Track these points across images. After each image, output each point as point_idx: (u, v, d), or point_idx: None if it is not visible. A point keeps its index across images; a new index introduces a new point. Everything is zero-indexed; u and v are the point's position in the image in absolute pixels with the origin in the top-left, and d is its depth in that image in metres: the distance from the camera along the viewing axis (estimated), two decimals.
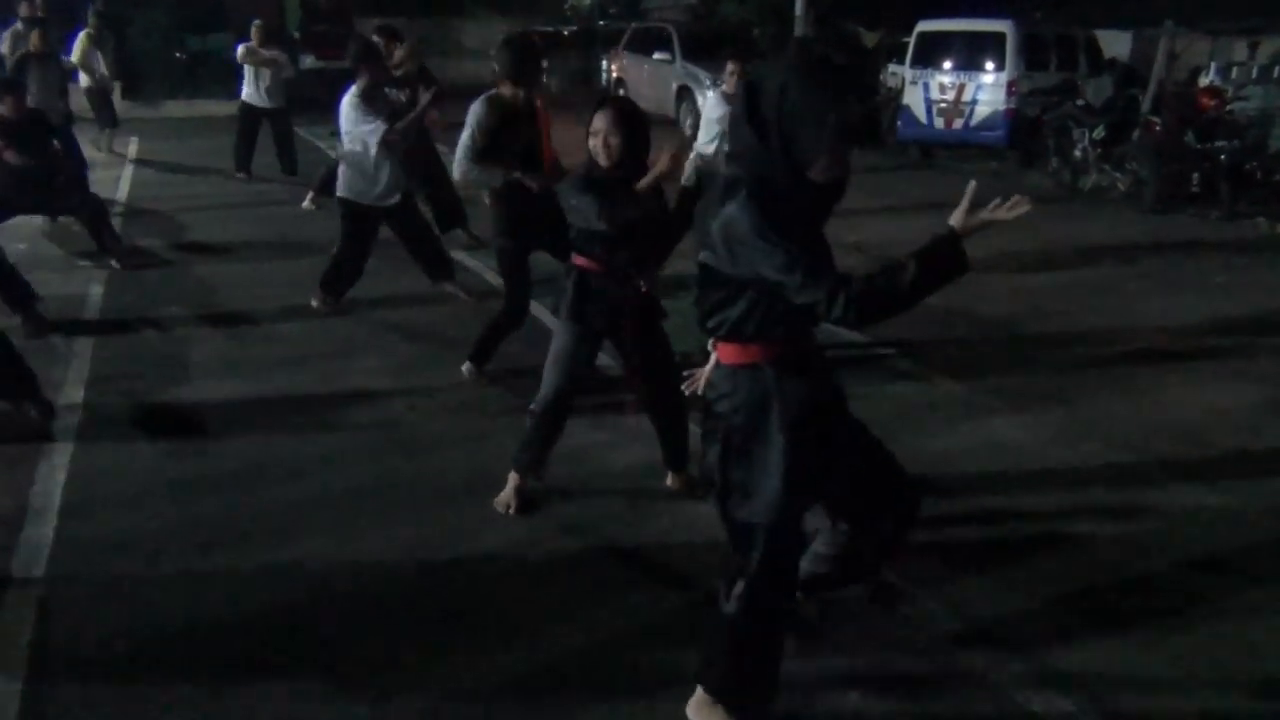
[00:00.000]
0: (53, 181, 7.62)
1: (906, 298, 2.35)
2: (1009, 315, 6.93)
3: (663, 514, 4.07)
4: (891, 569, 3.59)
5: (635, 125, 3.74)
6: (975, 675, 3.09)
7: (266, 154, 11.85)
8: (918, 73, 14.17)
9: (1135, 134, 10.98)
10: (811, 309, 2.38)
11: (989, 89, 13.50)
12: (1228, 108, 10.87)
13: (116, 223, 9.47)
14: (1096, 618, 3.40)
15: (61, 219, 9.14)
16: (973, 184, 2.43)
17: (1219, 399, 5.41)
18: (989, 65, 13.56)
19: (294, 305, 6.83)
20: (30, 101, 9.00)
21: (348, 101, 6.39)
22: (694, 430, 3.54)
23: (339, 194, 6.65)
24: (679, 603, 3.44)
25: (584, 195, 3.71)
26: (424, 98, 7.13)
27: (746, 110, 2.43)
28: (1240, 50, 13.87)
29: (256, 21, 11.80)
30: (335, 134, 6.89)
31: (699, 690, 2.80)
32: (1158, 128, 10.71)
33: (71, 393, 5.32)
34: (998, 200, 2.41)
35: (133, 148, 14.08)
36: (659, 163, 3.68)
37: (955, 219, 2.40)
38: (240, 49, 11.65)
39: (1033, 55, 13.56)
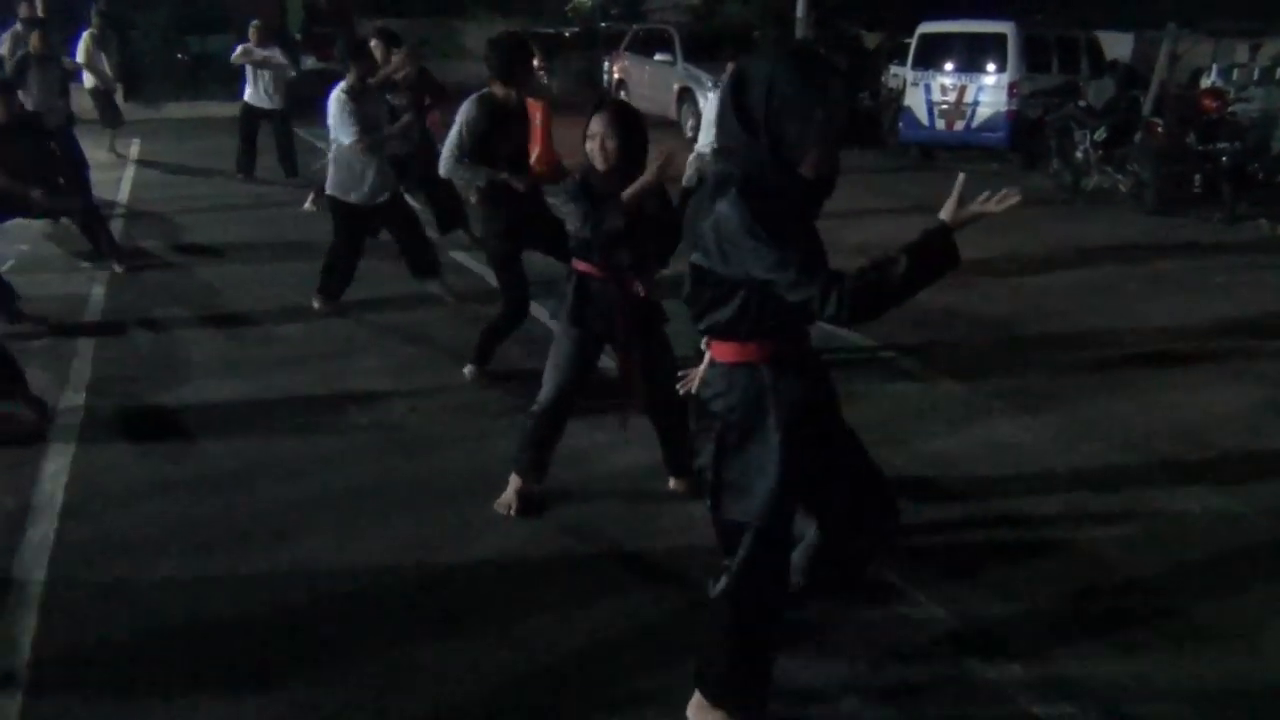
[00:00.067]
0: (48, 184, 7.58)
1: (899, 292, 2.34)
2: (1010, 316, 6.92)
3: (663, 516, 4.07)
4: (892, 570, 3.60)
5: (633, 128, 3.74)
6: (976, 678, 3.08)
7: (268, 155, 11.86)
8: (919, 74, 14.17)
9: (1137, 136, 10.96)
10: (805, 307, 2.37)
11: (990, 90, 13.49)
12: (1229, 109, 10.85)
13: (118, 224, 9.52)
14: (1098, 620, 3.40)
15: (63, 220, 9.14)
16: (961, 177, 2.42)
17: (1220, 400, 5.40)
18: (990, 67, 13.55)
19: (294, 306, 6.83)
20: (31, 103, 9.03)
21: (334, 98, 6.39)
22: None
23: (327, 191, 6.67)
24: (679, 604, 3.44)
25: (573, 203, 3.72)
26: (404, 119, 7.13)
27: (733, 104, 2.41)
28: (1242, 52, 13.85)
29: (255, 22, 11.81)
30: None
31: (698, 692, 2.79)
32: (1159, 129, 10.69)
33: (73, 394, 5.32)
34: (986, 193, 2.40)
35: (134, 149, 14.10)
36: (646, 173, 3.66)
37: (945, 212, 2.39)
38: (238, 49, 11.67)
39: (1034, 57, 13.54)
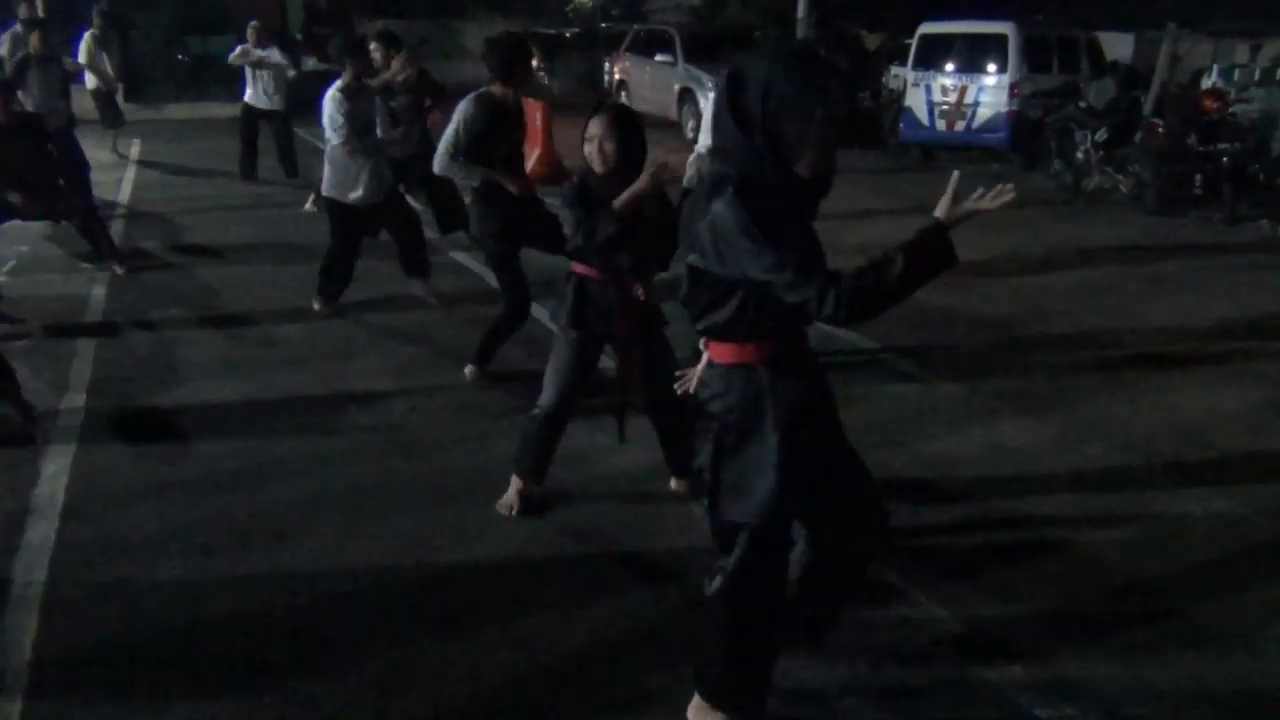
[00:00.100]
0: (46, 186, 7.56)
1: (896, 292, 2.33)
2: (1010, 317, 6.92)
3: (664, 516, 4.07)
4: (893, 571, 3.60)
5: (631, 131, 3.74)
6: (977, 680, 3.08)
7: (268, 156, 11.86)
8: (920, 75, 14.17)
9: (1137, 136, 10.96)
10: (803, 307, 2.35)
11: (991, 91, 13.49)
12: (1230, 110, 10.85)
13: (118, 225, 9.53)
14: (1099, 622, 3.39)
15: (63, 222, 9.14)
16: (955, 174, 2.41)
17: (1221, 401, 5.40)
18: (991, 67, 13.55)
19: (295, 307, 6.84)
20: (31, 104, 9.03)
21: (329, 96, 6.38)
22: None
23: (323, 192, 6.67)
24: (680, 605, 3.43)
25: (567, 209, 3.73)
26: (395, 133, 7.12)
27: (730, 104, 2.40)
28: (1242, 52, 13.85)
29: (253, 23, 11.81)
30: None
31: (698, 693, 2.79)
32: (1160, 130, 10.69)
33: (73, 395, 5.32)
34: (980, 190, 2.39)
35: (135, 149, 14.11)
36: (640, 179, 3.65)
37: (940, 210, 2.39)
38: (236, 50, 11.69)
39: (1035, 57, 13.54)
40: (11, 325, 6.29)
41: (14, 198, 7.01)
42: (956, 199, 2.38)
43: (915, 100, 14.22)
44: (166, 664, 3.14)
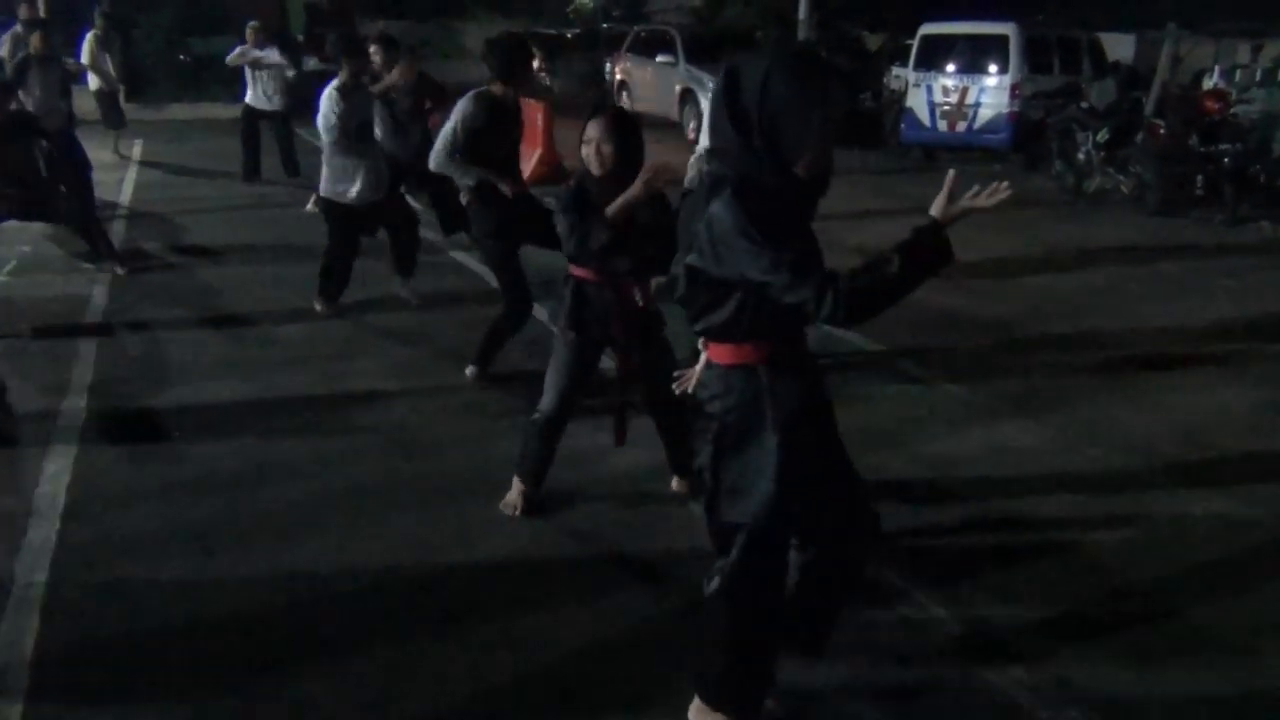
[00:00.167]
0: (41, 185, 7.54)
1: (894, 291, 2.32)
2: (1012, 318, 6.91)
3: (665, 518, 4.07)
4: (894, 572, 3.59)
5: (629, 133, 3.74)
6: (979, 682, 3.08)
7: (270, 157, 11.87)
8: (921, 75, 14.17)
9: (1139, 137, 10.96)
10: (801, 308, 2.34)
11: (992, 92, 13.50)
12: (1231, 111, 10.85)
13: (119, 225, 9.53)
14: (1101, 624, 3.39)
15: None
16: (951, 173, 2.41)
17: (1223, 402, 5.40)
18: (992, 68, 13.55)
19: (296, 308, 6.84)
20: (32, 104, 9.03)
21: (325, 95, 6.37)
22: None
23: (321, 193, 6.67)
24: (680, 606, 3.43)
25: (562, 215, 3.73)
26: (394, 143, 7.14)
27: (726, 105, 2.39)
28: (1244, 53, 13.86)
29: (251, 23, 11.81)
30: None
31: (698, 695, 2.79)
32: (1161, 131, 10.69)
33: (74, 395, 5.32)
34: (976, 187, 2.39)
35: (137, 150, 14.12)
36: (634, 185, 3.65)
37: (935, 209, 2.38)
38: (234, 51, 11.70)
39: (1036, 58, 13.54)
40: None
41: (10, 192, 7.00)
42: (952, 198, 2.38)
43: (916, 101, 14.23)
44: (167, 664, 3.14)
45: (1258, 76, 11.84)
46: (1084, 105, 11.91)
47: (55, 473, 4.41)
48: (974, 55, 13.73)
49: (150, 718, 2.92)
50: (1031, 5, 16.35)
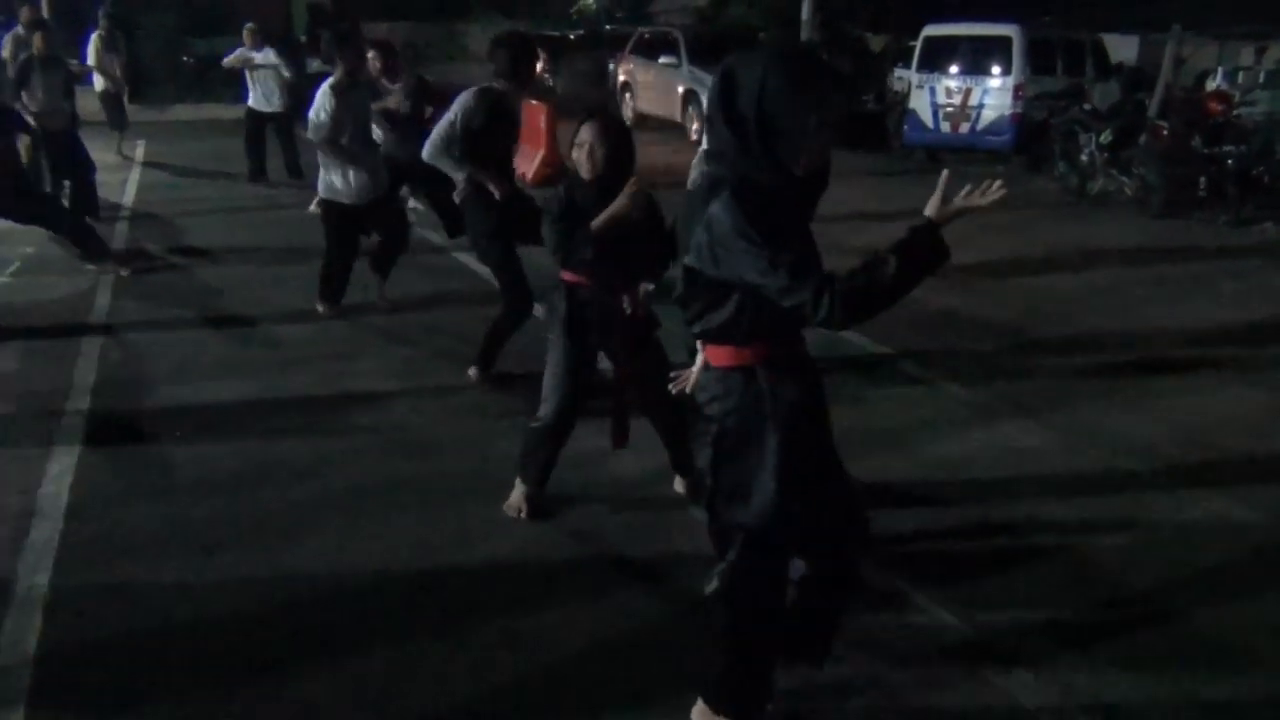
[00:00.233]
0: (16, 186, 7.55)
1: (891, 292, 2.31)
2: (1015, 319, 6.91)
3: (667, 519, 4.06)
4: (896, 575, 3.59)
5: (620, 139, 3.76)
6: (985, 687, 3.07)
7: (273, 158, 11.89)
8: (924, 77, 14.16)
9: (1142, 139, 10.96)
10: (798, 310, 2.34)
11: (995, 93, 13.49)
12: (1235, 112, 10.85)
13: (123, 226, 9.55)
14: (1108, 629, 3.38)
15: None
16: (945, 173, 2.40)
17: (1227, 405, 5.39)
18: (995, 69, 13.54)
19: (298, 309, 6.85)
20: (35, 106, 9.04)
21: (320, 92, 6.36)
22: None
23: (319, 194, 6.67)
24: (681, 608, 3.43)
25: (551, 224, 3.75)
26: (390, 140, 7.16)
27: (722, 106, 2.39)
28: (1247, 55, 13.86)
29: (248, 25, 11.83)
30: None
31: (701, 698, 2.79)
32: (1165, 132, 10.68)
33: (77, 396, 5.33)
34: (969, 186, 2.38)
35: (140, 151, 14.14)
36: (617, 201, 3.67)
37: (930, 209, 2.37)
38: (232, 54, 11.72)
39: (1039, 59, 13.53)
40: None
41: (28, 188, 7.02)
42: (946, 198, 2.37)
43: (919, 102, 14.22)
44: (169, 664, 3.15)
45: (1261, 78, 11.85)
46: (1087, 107, 11.91)
47: (58, 473, 4.42)
48: (977, 57, 13.72)
49: (151, 717, 2.92)
50: (1035, 7, 16.33)
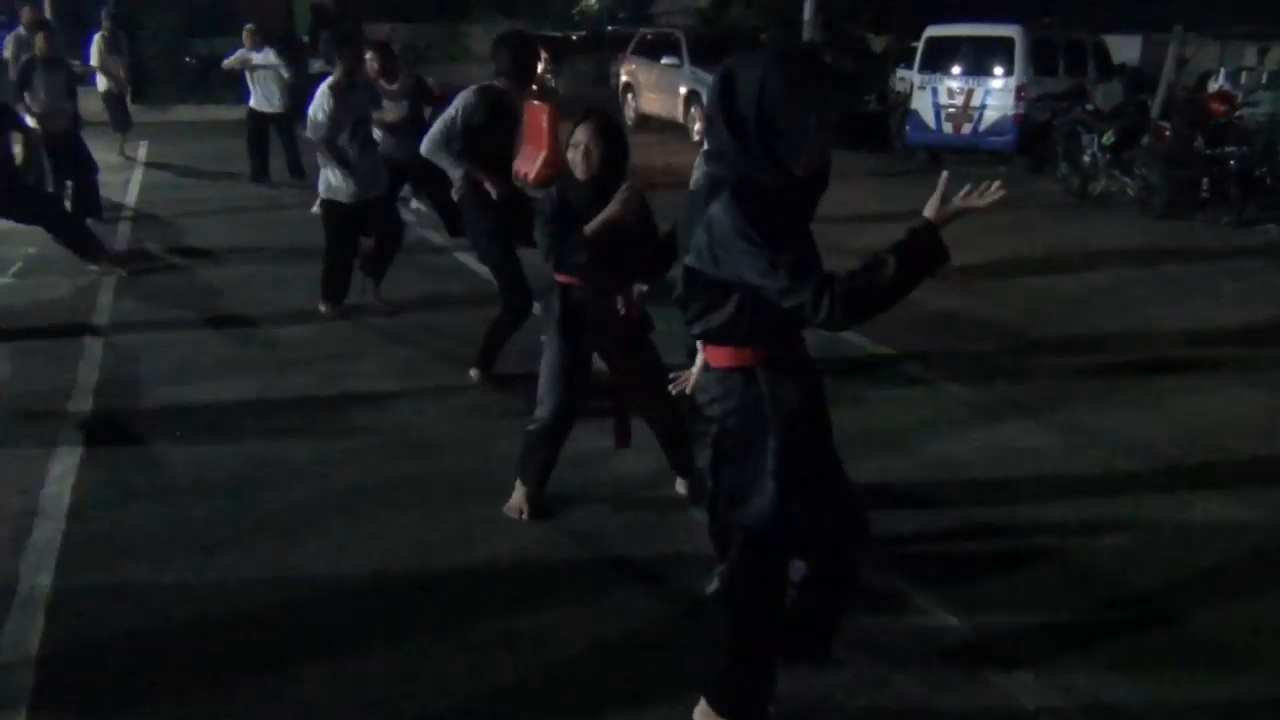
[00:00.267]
0: (11, 188, 7.57)
1: (890, 294, 2.31)
2: (1017, 320, 6.91)
3: (667, 520, 4.06)
4: (897, 576, 3.59)
5: (615, 139, 3.78)
6: (986, 688, 3.07)
7: (276, 158, 11.90)
8: (926, 78, 14.16)
9: (1144, 139, 10.95)
10: (798, 312, 2.34)
11: (998, 94, 13.48)
12: (1237, 113, 10.84)
13: (125, 226, 9.56)
14: (1111, 631, 3.37)
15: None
16: (944, 175, 2.41)
17: (1228, 406, 5.38)
18: (998, 70, 13.54)
19: (300, 309, 6.85)
20: (38, 107, 9.05)
21: (319, 91, 6.37)
22: None
23: (320, 195, 6.67)
24: (683, 610, 3.43)
25: (541, 229, 3.76)
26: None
27: (722, 106, 2.39)
28: (1250, 55, 13.85)
29: (248, 25, 11.85)
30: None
31: (703, 699, 2.79)
32: (1167, 133, 10.68)
33: (80, 396, 5.34)
34: (968, 187, 2.38)
35: (142, 151, 14.15)
36: (609, 207, 3.68)
37: (929, 210, 2.37)
38: (232, 56, 11.74)
39: (1041, 60, 13.53)
40: None
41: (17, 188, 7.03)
42: (945, 199, 2.37)
43: (921, 103, 14.22)
44: (170, 664, 3.15)
45: (1264, 79, 11.84)
46: (1089, 107, 11.90)
47: (60, 473, 4.43)
48: (979, 57, 13.72)
49: (153, 717, 2.93)
50: (1037, 8, 16.32)
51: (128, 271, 7.81)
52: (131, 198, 11.06)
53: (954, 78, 13.87)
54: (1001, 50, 13.48)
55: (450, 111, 5.13)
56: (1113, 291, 7.72)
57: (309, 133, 6.41)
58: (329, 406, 5.25)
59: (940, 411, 5.29)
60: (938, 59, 14.11)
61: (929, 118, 14.15)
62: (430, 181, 8.02)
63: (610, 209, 3.68)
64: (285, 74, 11.61)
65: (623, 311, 3.85)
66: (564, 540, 3.93)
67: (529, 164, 10.83)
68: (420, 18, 26.34)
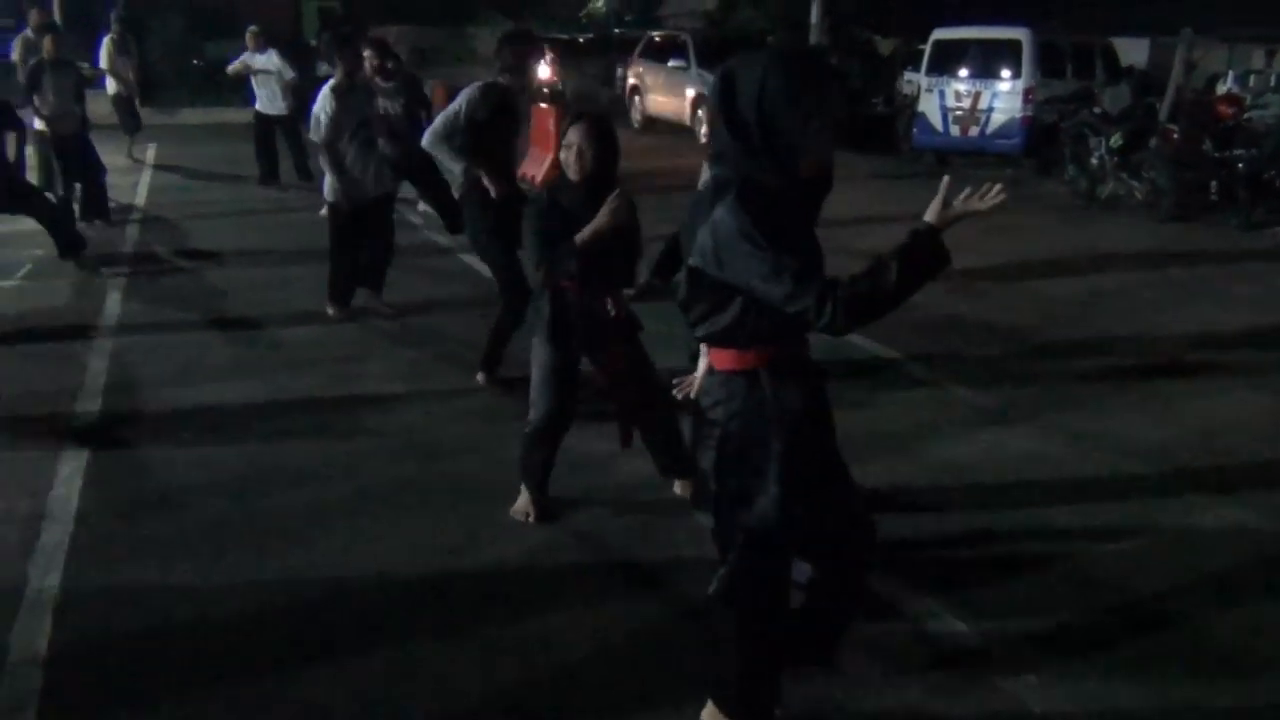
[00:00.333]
0: (11, 188, 7.61)
1: (892, 298, 2.32)
2: (1023, 323, 6.89)
3: (671, 523, 4.05)
4: (903, 580, 3.58)
5: (608, 140, 3.79)
6: (994, 693, 3.06)
7: (285, 160, 11.92)
8: (933, 80, 14.14)
9: (1152, 142, 10.93)
10: (801, 316, 2.34)
11: (1005, 97, 13.46)
12: (1245, 116, 10.81)
13: (133, 229, 9.59)
14: (1118, 635, 3.36)
15: (80, 224, 9.20)
16: (946, 179, 2.41)
17: (1237, 410, 5.36)
18: (1005, 73, 13.52)
19: (307, 311, 6.86)
20: (46, 109, 9.09)
21: (321, 94, 6.38)
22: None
23: (325, 197, 6.68)
24: (687, 612, 3.42)
25: (532, 236, 3.79)
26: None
27: (723, 109, 2.39)
28: (1258, 58, 13.82)
29: (251, 28, 11.88)
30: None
31: (710, 700, 2.79)
32: (1175, 136, 10.65)
33: (87, 398, 5.35)
34: (968, 190, 2.38)
35: (150, 154, 14.20)
36: (600, 217, 3.69)
37: (931, 214, 2.37)
38: (235, 62, 11.79)
39: (1049, 63, 13.51)
40: None
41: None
42: (947, 202, 2.38)
43: (929, 106, 14.20)
44: (177, 665, 3.16)
45: (1272, 81, 11.81)
46: (1097, 110, 11.87)
47: (68, 475, 4.44)
48: (987, 60, 13.70)
49: (159, 718, 2.93)
50: (1045, 10, 16.30)
51: (129, 273, 7.82)
52: (140, 200, 11.09)
53: (961, 80, 13.85)
54: (1009, 53, 13.46)
55: (454, 106, 5.13)
56: (1120, 294, 7.70)
57: (312, 135, 6.43)
58: (335, 408, 5.26)
59: (946, 415, 5.28)
60: (945, 62, 14.09)
61: (936, 120, 14.13)
62: (430, 183, 8.01)
63: (601, 219, 3.70)
64: (287, 76, 11.63)
65: (612, 313, 3.87)
66: (569, 543, 3.94)
67: (536, 166, 10.87)
68: (426, 20, 26.38)
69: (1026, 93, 13.26)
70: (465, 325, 6.56)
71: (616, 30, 27.74)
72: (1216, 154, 10.44)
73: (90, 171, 9.47)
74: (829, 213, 4.53)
